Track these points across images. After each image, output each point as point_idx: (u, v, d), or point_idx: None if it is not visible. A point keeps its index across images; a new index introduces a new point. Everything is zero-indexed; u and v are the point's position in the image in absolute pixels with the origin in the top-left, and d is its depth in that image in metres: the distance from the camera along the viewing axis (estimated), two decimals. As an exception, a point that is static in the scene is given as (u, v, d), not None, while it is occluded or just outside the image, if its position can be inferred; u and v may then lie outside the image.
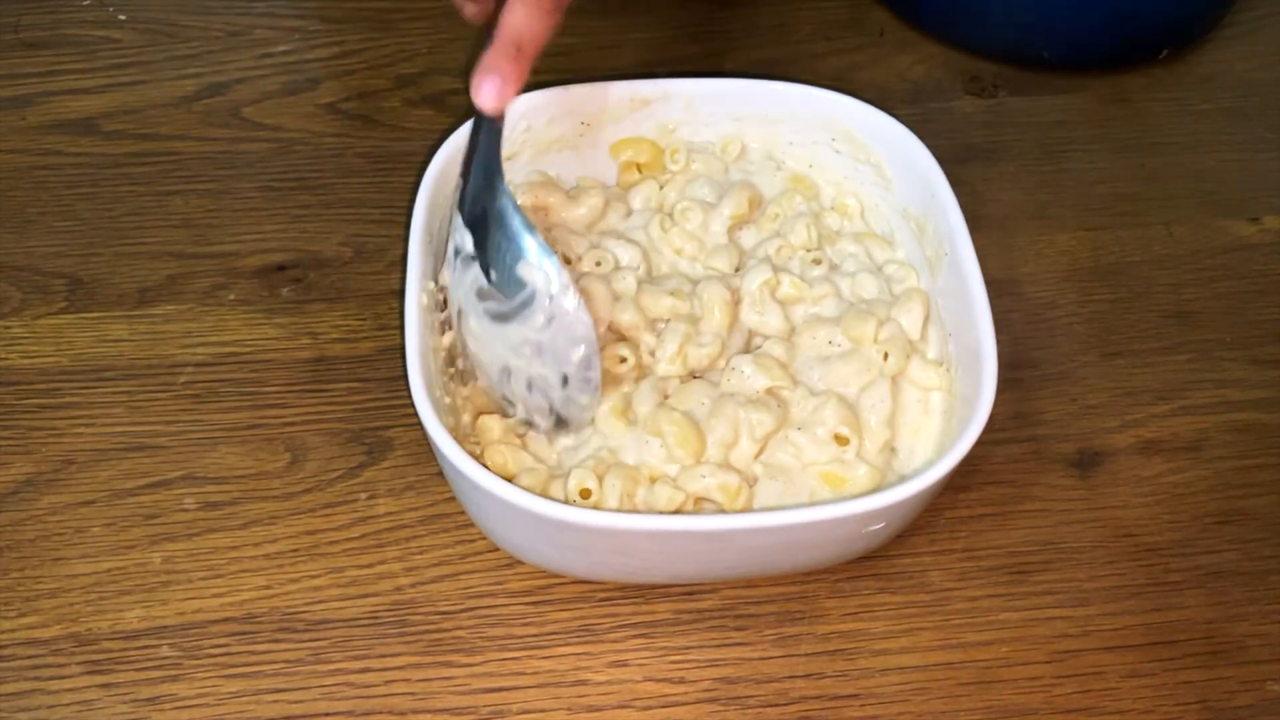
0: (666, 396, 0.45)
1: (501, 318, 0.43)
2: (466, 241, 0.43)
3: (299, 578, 0.45)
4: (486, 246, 0.42)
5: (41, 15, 0.64)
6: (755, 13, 0.68)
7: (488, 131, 0.42)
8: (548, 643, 0.44)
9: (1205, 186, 0.61)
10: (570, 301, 0.42)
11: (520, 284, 0.42)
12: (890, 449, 0.45)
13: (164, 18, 0.65)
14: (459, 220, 0.43)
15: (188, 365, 0.51)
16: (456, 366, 0.46)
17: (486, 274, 0.43)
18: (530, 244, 0.42)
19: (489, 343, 0.43)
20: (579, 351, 0.43)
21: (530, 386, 0.44)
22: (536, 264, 0.42)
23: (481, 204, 0.43)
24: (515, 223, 0.42)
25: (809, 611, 0.46)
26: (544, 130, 0.51)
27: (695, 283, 0.48)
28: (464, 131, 0.47)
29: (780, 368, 0.45)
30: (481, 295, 0.43)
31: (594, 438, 0.44)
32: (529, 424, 0.45)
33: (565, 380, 0.43)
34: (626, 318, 0.47)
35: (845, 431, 0.44)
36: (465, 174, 0.43)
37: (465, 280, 0.43)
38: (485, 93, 0.40)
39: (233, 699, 0.42)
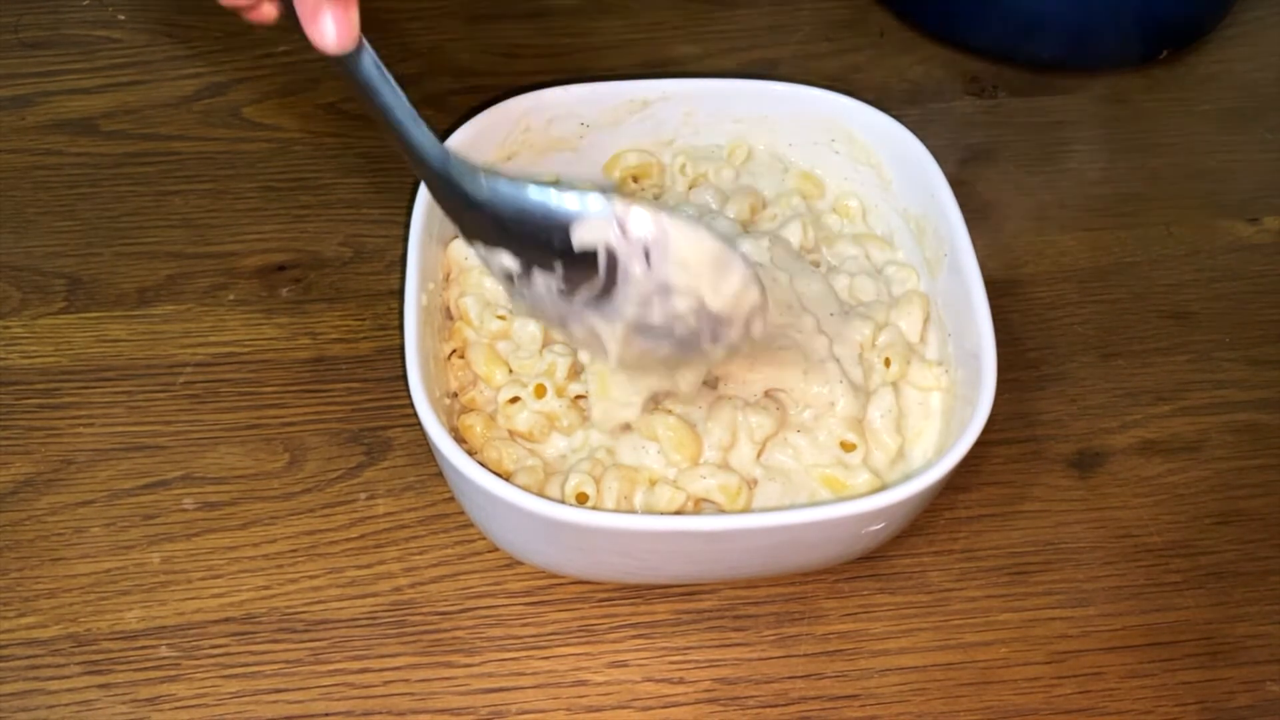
0: (658, 402, 0.45)
1: (604, 295, 0.36)
2: (506, 260, 0.36)
3: (298, 578, 0.45)
4: (523, 247, 0.36)
5: (41, 15, 0.64)
6: (755, 13, 0.68)
7: (375, 92, 0.36)
8: (547, 643, 0.44)
9: (1205, 186, 0.61)
10: (643, 222, 0.35)
11: (587, 253, 0.35)
12: (901, 456, 0.45)
13: (164, 18, 0.65)
14: (480, 250, 0.37)
15: (187, 365, 0.51)
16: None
17: (551, 268, 0.36)
18: (552, 200, 0.35)
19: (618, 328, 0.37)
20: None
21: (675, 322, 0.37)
22: (582, 214, 0.35)
23: (473, 211, 0.36)
24: (515, 194, 0.35)
25: (808, 612, 0.46)
26: (543, 131, 0.51)
27: None
28: (457, 138, 0.47)
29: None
30: (568, 292, 0.36)
31: (592, 435, 0.44)
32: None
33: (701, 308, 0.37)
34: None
35: (851, 438, 0.44)
36: (438, 199, 0.37)
37: (544, 296, 0.37)
38: (327, 28, 0.34)
39: (232, 699, 0.42)
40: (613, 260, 0.35)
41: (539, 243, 0.36)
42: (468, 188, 0.36)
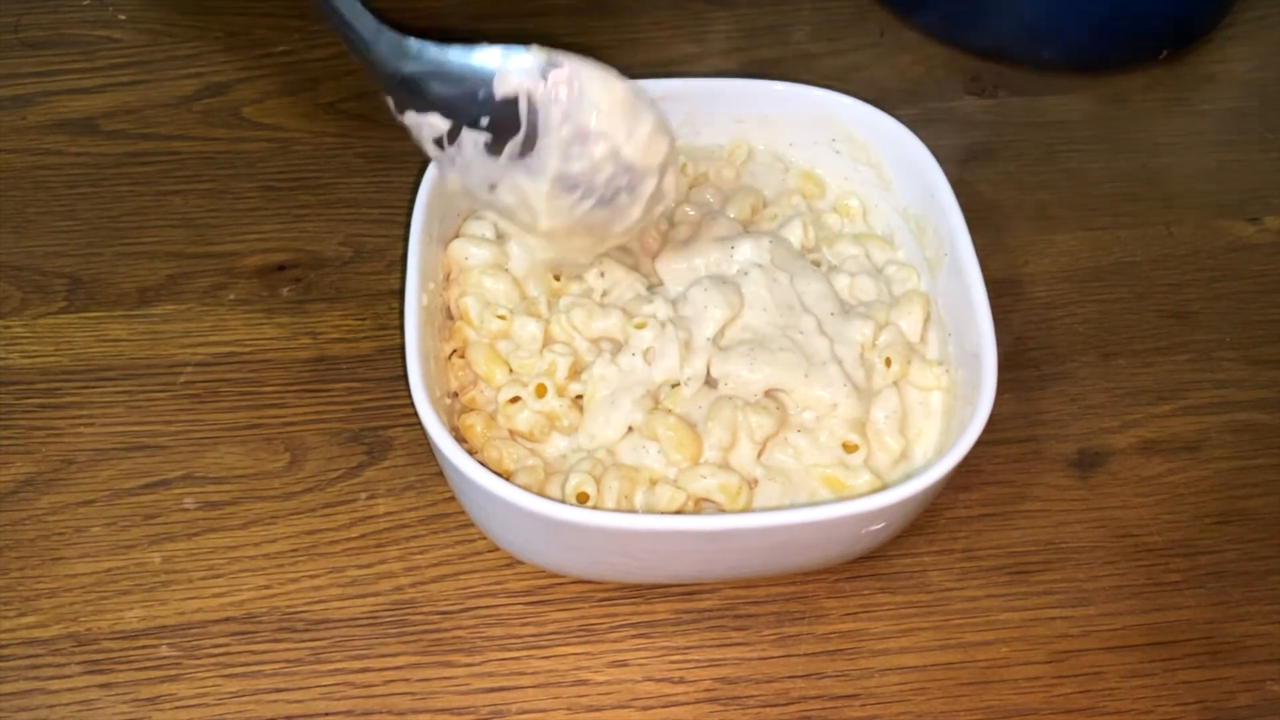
0: (658, 402, 0.45)
1: (527, 148, 0.39)
2: (434, 122, 0.39)
3: (299, 578, 0.45)
4: (451, 107, 0.38)
5: (41, 15, 0.64)
6: (755, 13, 0.68)
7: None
8: (548, 643, 0.44)
9: (1205, 186, 0.61)
10: (558, 69, 0.38)
11: (509, 103, 0.38)
12: (903, 456, 0.45)
13: (164, 18, 0.65)
14: (413, 118, 0.39)
15: (187, 365, 0.51)
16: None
17: (478, 124, 0.38)
18: (475, 57, 0.38)
19: (545, 187, 0.39)
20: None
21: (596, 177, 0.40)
22: (503, 67, 0.38)
23: (401, 80, 0.38)
24: (441, 56, 0.38)
25: (809, 611, 0.46)
26: (544, 130, 0.51)
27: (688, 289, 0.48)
28: None
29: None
30: (495, 149, 0.39)
31: (584, 437, 0.44)
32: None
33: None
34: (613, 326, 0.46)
35: (853, 439, 0.44)
36: (372, 74, 0.39)
37: (472, 158, 0.39)
38: None
39: (232, 699, 0.42)
40: (534, 109, 0.38)
41: (466, 98, 0.38)
42: (397, 61, 0.39)
